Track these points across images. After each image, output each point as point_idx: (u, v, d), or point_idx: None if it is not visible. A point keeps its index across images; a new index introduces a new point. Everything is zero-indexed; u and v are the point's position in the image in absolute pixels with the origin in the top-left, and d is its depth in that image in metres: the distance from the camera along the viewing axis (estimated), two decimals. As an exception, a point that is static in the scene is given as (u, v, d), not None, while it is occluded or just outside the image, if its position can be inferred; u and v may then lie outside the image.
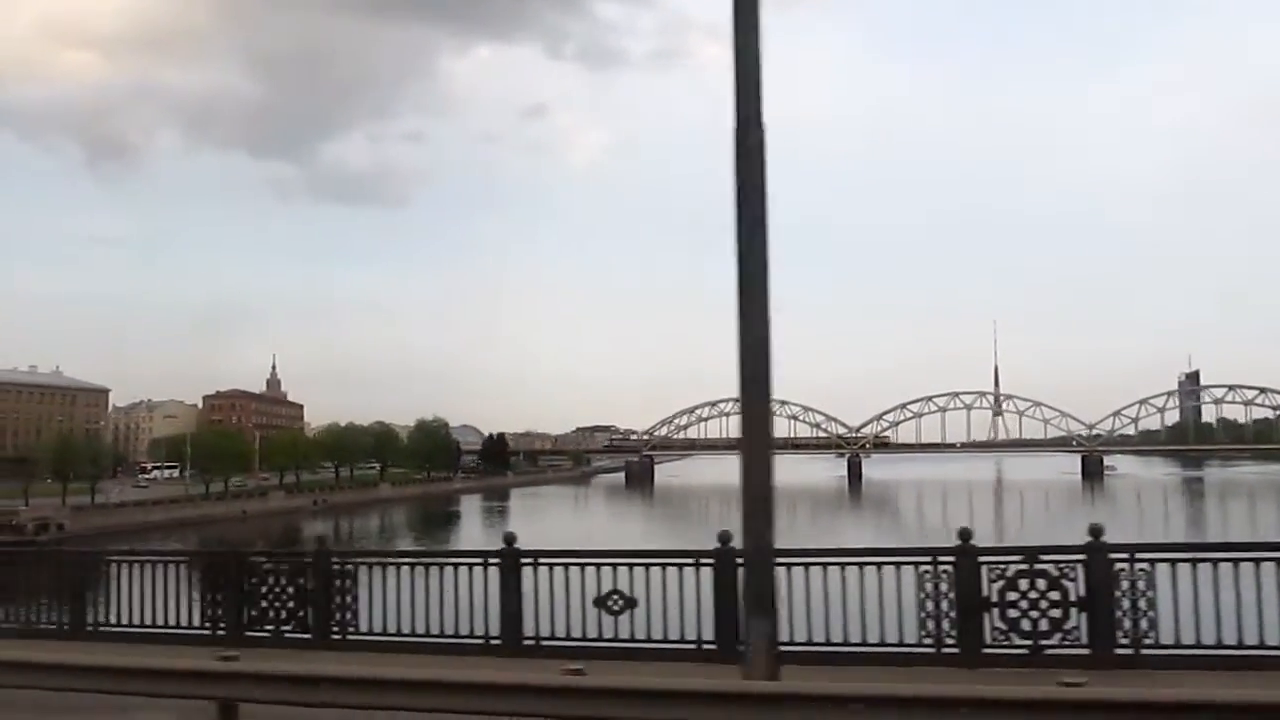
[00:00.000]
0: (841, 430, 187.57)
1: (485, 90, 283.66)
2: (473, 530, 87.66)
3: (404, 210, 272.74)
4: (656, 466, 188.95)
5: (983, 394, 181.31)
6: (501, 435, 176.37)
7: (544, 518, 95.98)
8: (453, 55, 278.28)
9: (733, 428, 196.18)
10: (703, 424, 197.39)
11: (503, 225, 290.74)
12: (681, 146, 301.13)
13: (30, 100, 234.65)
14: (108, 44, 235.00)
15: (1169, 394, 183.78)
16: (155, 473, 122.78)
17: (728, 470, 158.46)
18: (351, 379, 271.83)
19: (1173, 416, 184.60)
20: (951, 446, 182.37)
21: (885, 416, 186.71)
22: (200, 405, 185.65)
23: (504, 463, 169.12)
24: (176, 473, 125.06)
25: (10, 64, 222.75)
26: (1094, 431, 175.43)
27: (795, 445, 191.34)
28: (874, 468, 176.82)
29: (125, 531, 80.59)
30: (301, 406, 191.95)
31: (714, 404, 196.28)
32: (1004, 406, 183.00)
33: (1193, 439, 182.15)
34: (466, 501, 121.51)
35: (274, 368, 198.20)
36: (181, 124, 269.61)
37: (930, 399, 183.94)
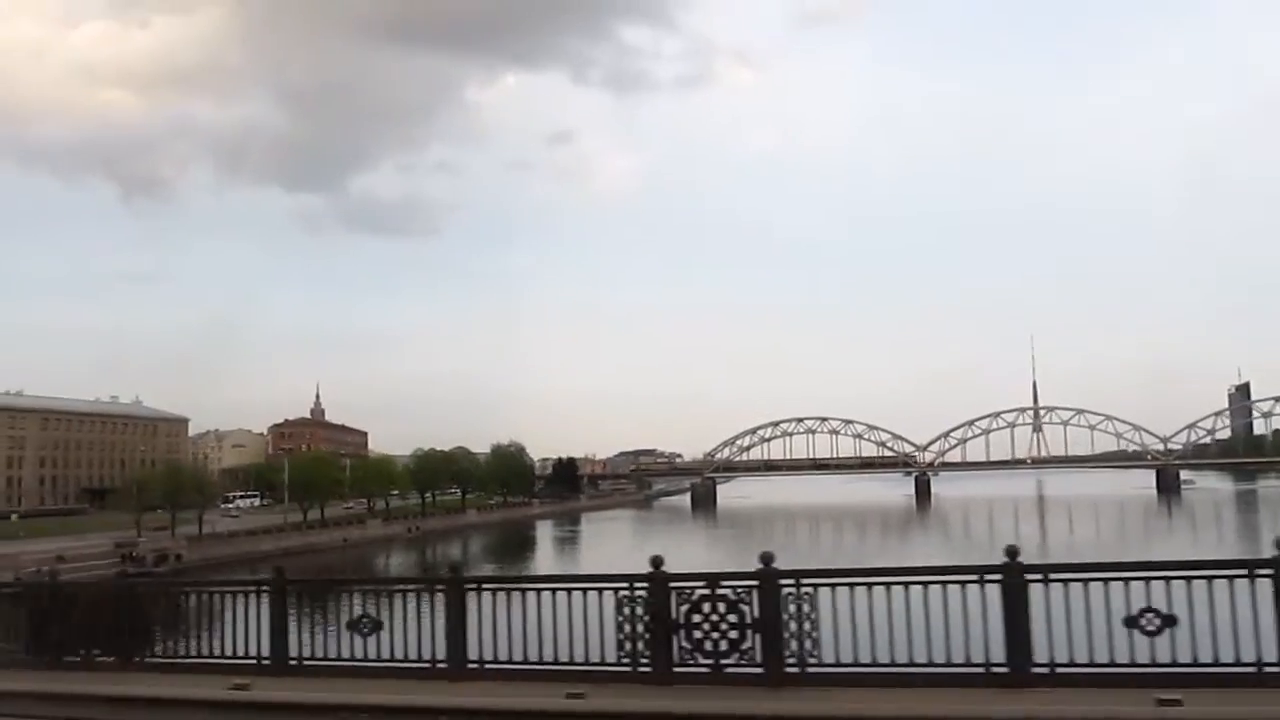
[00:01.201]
0: (908, 448, 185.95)
1: (512, 118, 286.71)
2: (598, 554, 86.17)
3: (432, 239, 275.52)
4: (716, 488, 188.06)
5: (1053, 409, 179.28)
6: (571, 460, 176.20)
7: (659, 541, 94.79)
8: (480, 85, 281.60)
9: (796, 448, 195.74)
10: (765, 445, 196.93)
11: (530, 251, 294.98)
12: (708, 169, 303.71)
13: (64, 139, 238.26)
14: (141, 82, 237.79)
15: (1240, 406, 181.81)
16: (238, 501, 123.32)
17: (784, 491, 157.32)
18: (384, 406, 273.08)
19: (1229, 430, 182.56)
20: (1022, 463, 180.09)
21: (953, 434, 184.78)
22: (264, 434, 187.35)
23: (574, 486, 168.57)
24: (256, 501, 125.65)
25: (45, 104, 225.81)
26: (1169, 445, 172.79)
27: (863, 464, 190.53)
28: (943, 485, 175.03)
29: (238, 561, 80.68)
30: (365, 434, 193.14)
31: (776, 424, 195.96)
32: (1051, 419, 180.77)
33: (1270, 451, 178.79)
34: (555, 526, 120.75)
35: (317, 396, 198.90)
36: (214, 159, 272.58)
37: (998, 414, 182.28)
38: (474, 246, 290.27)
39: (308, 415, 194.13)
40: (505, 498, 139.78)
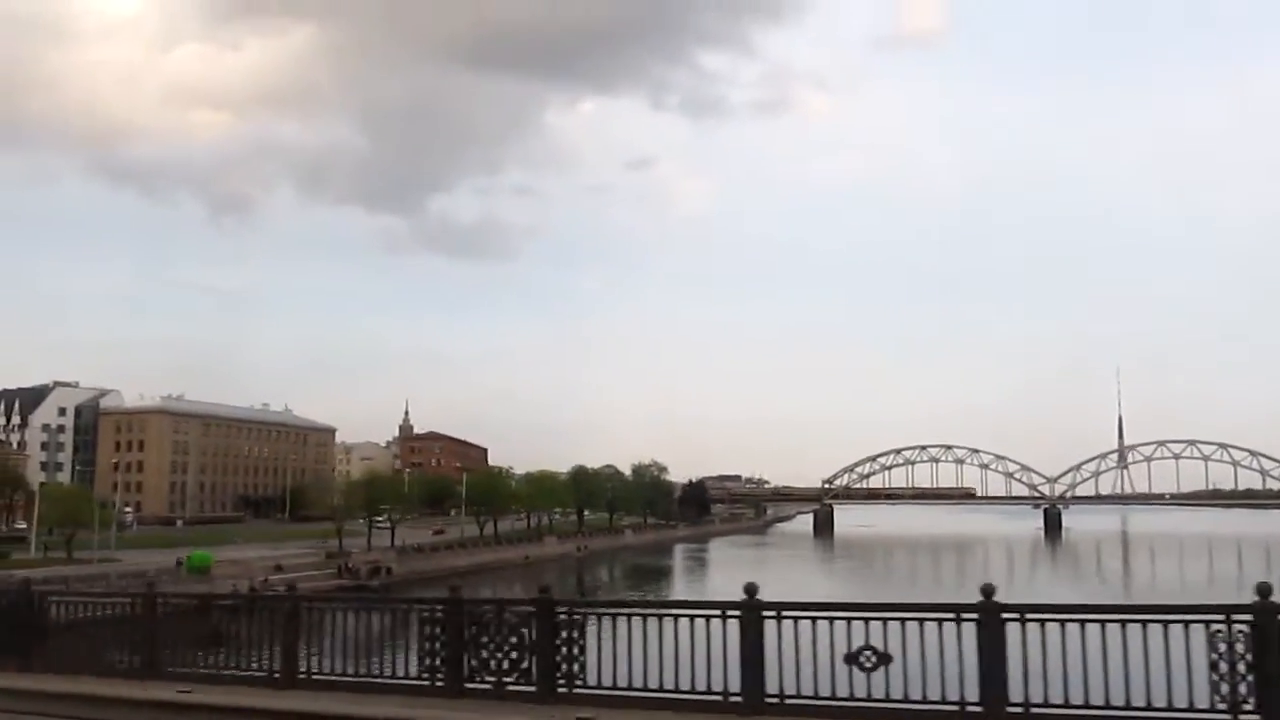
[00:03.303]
0: (1037, 479, 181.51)
1: (591, 143, 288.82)
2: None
3: (509, 262, 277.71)
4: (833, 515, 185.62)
5: (1194, 442, 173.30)
6: (702, 483, 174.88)
7: (791, 568, 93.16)
8: (559, 110, 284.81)
9: (919, 477, 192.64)
10: (886, 472, 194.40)
11: (604, 275, 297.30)
12: (785, 193, 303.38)
13: (156, 159, 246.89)
14: (231, 104, 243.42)
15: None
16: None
17: (907, 520, 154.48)
18: (464, 423, 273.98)
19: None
20: (1160, 498, 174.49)
21: (1084, 467, 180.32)
22: (384, 445, 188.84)
23: (704, 509, 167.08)
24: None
25: (139, 126, 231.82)
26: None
27: (988, 496, 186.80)
28: (1074, 519, 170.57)
29: (441, 576, 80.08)
30: (485, 449, 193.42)
31: (898, 451, 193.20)
32: (1191, 453, 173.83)
33: None
34: (700, 548, 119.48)
35: (406, 413, 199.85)
36: (299, 179, 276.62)
37: (1134, 448, 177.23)
38: (549, 269, 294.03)
39: (395, 431, 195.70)
40: (645, 519, 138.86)
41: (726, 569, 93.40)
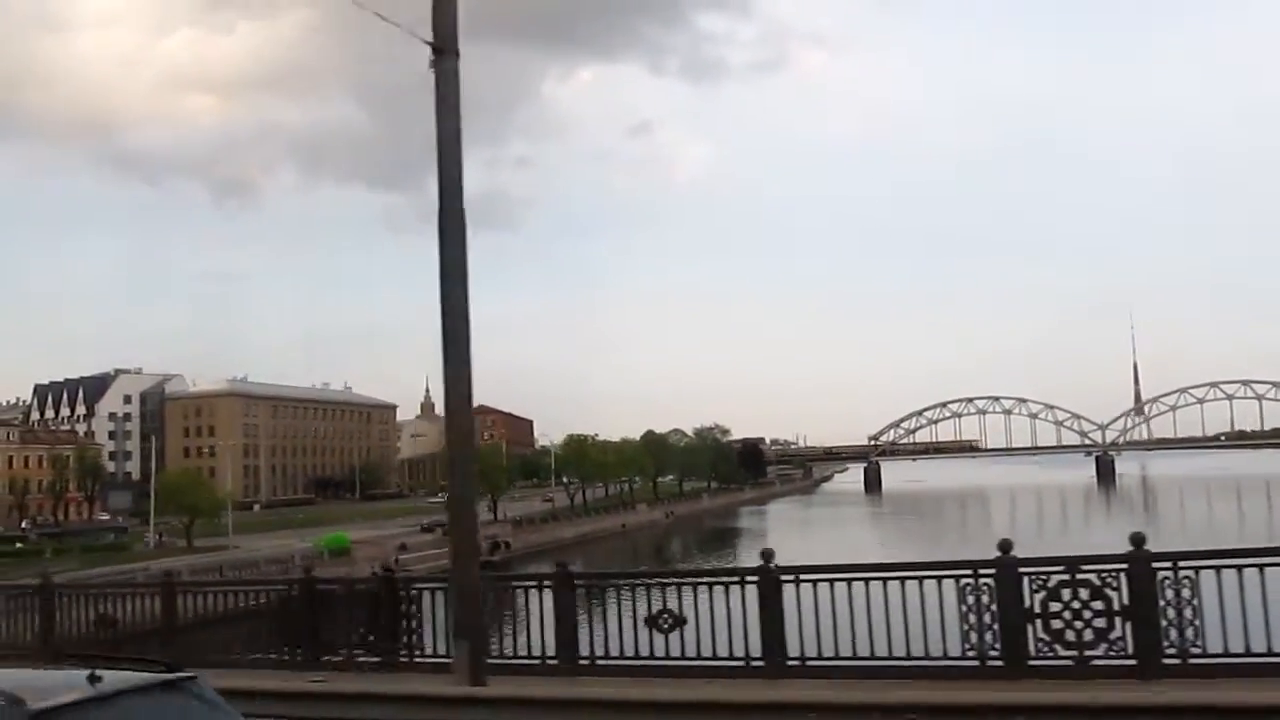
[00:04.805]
0: (1088, 426, 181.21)
1: (590, 111, 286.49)
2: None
3: (510, 233, 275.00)
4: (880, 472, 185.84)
5: (1247, 383, 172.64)
6: (758, 444, 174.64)
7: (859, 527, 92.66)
8: (557, 79, 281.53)
9: (966, 429, 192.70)
10: (933, 426, 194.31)
11: (608, 241, 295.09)
12: (788, 152, 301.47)
13: (156, 145, 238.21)
14: (227, 87, 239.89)
15: None
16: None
17: (955, 474, 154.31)
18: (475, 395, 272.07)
19: None
20: (1216, 439, 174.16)
21: (1135, 414, 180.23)
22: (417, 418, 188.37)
23: (761, 471, 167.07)
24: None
25: (139, 111, 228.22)
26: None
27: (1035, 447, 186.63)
28: (1128, 465, 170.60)
29: (553, 547, 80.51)
30: (531, 422, 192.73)
31: (944, 405, 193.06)
32: (1245, 393, 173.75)
33: None
34: (768, 508, 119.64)
35: (427, 390, 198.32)
36: (298, 160, 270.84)
37: (1186, 390, 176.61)
38: (552, 239, 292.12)
39: (418, 408, 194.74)
40: (710, 482, 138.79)
41: (817, 528, 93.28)
